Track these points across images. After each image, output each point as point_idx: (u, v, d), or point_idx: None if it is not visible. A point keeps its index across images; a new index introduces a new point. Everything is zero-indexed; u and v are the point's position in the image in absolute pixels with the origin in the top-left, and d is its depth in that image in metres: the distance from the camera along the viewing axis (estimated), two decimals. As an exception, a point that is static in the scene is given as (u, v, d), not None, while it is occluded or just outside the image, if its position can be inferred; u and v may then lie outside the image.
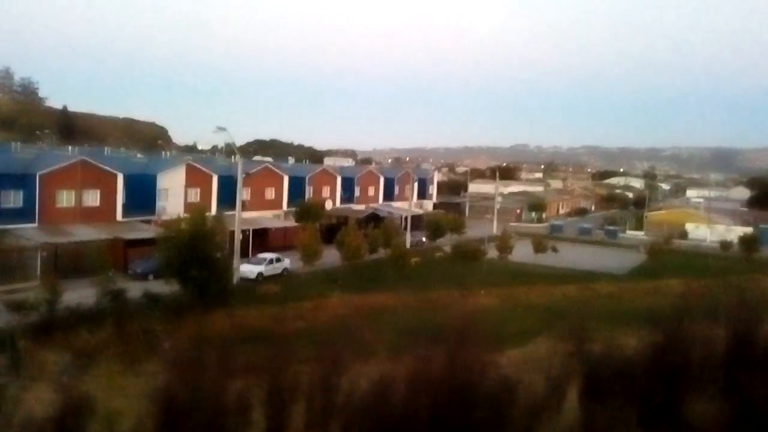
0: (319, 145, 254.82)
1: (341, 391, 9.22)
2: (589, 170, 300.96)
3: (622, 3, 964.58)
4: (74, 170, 43.38)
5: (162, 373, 26.51)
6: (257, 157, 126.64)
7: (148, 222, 47.91)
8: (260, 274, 42.22)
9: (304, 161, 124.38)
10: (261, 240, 52.59)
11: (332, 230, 54.76)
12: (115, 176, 45.68)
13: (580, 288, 47.69)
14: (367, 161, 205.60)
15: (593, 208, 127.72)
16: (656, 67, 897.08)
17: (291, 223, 57.24)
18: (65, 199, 42.96)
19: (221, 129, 38.89)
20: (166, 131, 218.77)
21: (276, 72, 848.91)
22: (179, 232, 33.83)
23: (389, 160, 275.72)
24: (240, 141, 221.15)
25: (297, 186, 62.86)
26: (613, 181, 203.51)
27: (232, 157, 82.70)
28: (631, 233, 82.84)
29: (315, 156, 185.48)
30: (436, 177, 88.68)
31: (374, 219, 66.49)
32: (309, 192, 64.71)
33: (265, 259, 43.79)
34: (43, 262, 37.89)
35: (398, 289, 42.45)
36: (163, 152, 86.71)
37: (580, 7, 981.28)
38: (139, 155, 64.22)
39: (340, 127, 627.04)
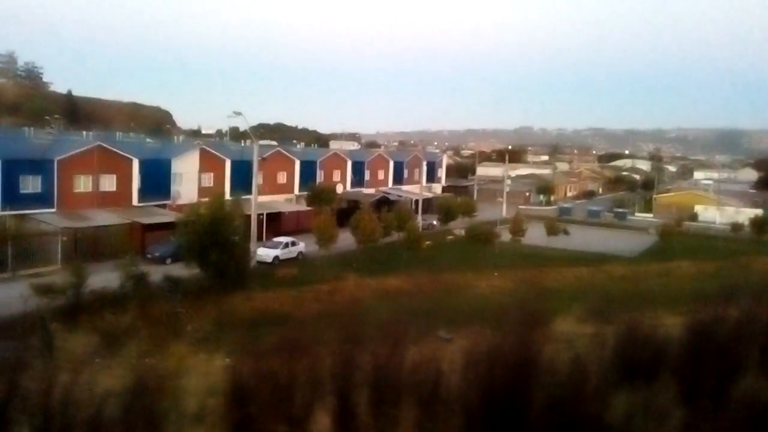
0: (324, 128, 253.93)
1: (395, 370, 9.55)
2: (594, 152, 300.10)
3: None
4: (91, 155, 43.71)
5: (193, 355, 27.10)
6: (263, 141, 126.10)
7: (164, 206, 48.29)
8: (276, 257, 42.62)
9: (312, 145, 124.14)
10: (274, 224, 52.95)
11: (344, 214, 55.20)
12: (130, 161, 46.03)
13: (593, 270, 47.99)
14: (372, 144, 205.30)
15: (601, 190, 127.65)
16: (661, 48, 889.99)
17: (303, 207, 57.56)
18: (82, 184, 43.35)
19: (237, 114, 39.18)
20: (171, 115, 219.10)
21: (280, 56, 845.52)
22: (199, 216, 34.18)
23: (395, 143, 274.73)
24: (245, 125, 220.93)
25: (308, 170, 63.07)
26: (619, 163, 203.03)
27: (242, 141, 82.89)
28: (640, 215, 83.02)
29: (320, 140, 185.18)
30: (445, 160, 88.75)
31: (385, 203, 66.83)
32: (320, 176, 64.90)
33: (281, 243, 44.18)
34: (64, 247, 38.33)
35: (412, 273, 42.84)
36: (175, 137, 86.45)
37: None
38: (149, 140, 64.40)
39: (344, 111, 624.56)
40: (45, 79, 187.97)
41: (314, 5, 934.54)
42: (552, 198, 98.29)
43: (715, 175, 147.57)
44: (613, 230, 71.95)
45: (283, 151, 62.04)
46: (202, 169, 52.00)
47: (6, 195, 38.92)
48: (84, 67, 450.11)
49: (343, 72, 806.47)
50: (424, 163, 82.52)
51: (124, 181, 45.71)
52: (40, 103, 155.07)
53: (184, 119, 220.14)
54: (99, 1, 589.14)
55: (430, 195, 77.78)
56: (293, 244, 44.70)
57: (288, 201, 60.60)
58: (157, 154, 50.17)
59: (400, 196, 71.31)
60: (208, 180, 52.42)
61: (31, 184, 40.78)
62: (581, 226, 72.79)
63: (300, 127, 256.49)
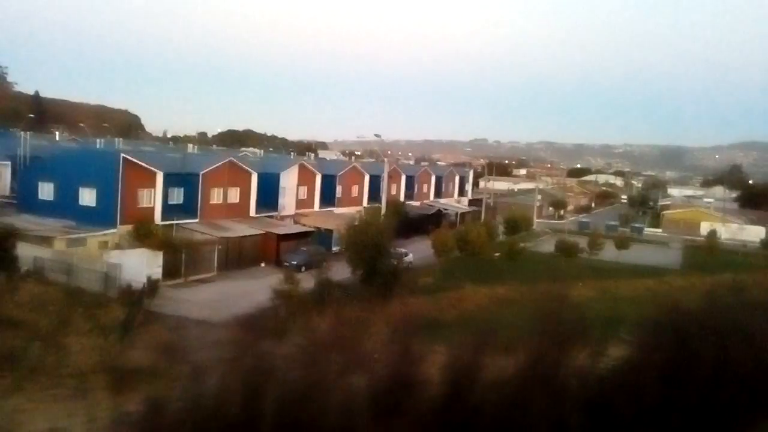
0: (290, 136, 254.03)
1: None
2: (562, 166, 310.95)
3: (578, 3, 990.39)
4: (223, 170, 47.05)
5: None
6: (245, 149, 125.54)
7: (272, 217, 51.78)
8: (395, 267, 46.63)
9: (307, 154, 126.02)
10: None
11: (410, 225, 60.12)
12: (250, 175, 49.44)
13: (657, 282, 53.58)
14: (351, 155, 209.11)
15: (593, 204, 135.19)
16: (608, 67, 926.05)
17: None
18: (216, 196, 46.54)
19: (377, 136, 43.34)
20: (139, 119, 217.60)
21: (243, 62, 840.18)
22: (366, 228, 38.23)
23: (357, 152, 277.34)
24: (212, 131, 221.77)
25: (374, 184, 67.10)
26: (590, 177, 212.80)
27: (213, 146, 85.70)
28: (649, 230, 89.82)
29: (311, 148, 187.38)
30: (471, 175, 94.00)
31: (439, 215, 71.66)
32: (382, 190, 68.92)
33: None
34: (219, 255, 41.60)
35: (511, 282, 47.64)
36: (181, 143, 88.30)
37: (537, 6, 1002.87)
38: (263, 155, 67.69)
39: (304, 118, 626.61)
40: (9, 79, 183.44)
41: (277, 14, 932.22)
42: (562, 212, 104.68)
43: (690, 192, 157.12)
44: (639, 244, 77.96)
45: (358, 167, 65.95)
46: (300, 182, 55.62)
47: (162, 206, 42.04)
48: (48, 66, 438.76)
49: (302, 80, 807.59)
50: (457, 178, 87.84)
51: (245, 193, 49.08)
52: (8, 103, 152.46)
53: (150, 124, 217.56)
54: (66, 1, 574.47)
55: (466, 208, 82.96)
56: (405, 254, 48.80)
57: (358, 213, 64.41)
58: (267, 168, 53.42)
59: (446, 209, 76.08)
60: (303, 193, 56.08)
61: (176, 196, 43.89)
62: (607, 240, 78.63)
63: (269, 134, 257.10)
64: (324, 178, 58.41)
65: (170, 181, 42.85)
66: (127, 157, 40.14)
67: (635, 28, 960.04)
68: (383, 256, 38.01)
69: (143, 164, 40.98)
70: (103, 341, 27.02)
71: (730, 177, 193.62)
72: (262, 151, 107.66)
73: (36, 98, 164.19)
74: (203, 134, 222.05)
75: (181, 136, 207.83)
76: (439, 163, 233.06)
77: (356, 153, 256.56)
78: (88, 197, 39.56)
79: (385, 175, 46.62)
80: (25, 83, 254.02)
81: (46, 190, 41.21)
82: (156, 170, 41.45)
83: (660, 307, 16.30)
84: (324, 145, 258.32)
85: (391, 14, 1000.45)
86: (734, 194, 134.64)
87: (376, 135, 42.09)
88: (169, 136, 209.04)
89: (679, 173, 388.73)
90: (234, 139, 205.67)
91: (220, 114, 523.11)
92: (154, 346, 27.38)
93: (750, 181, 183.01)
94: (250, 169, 49.58)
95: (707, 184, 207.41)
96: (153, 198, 41.28)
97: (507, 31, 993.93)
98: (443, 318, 37.79)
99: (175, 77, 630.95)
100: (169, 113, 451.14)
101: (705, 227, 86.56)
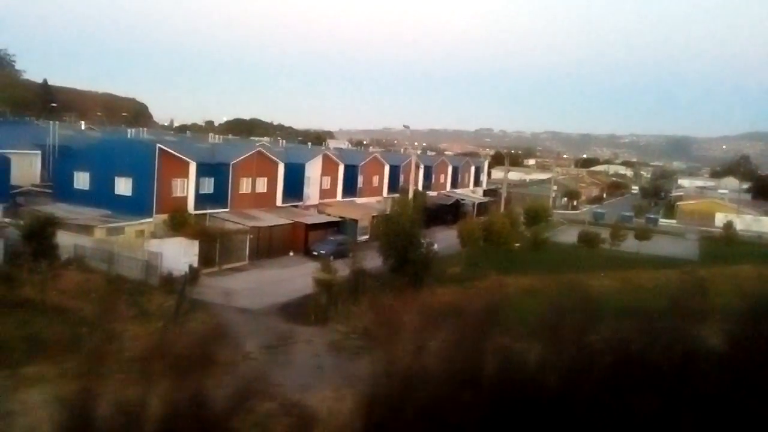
0: (296, 125, 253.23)
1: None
2: (565, 156, 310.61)
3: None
4: (252, 160, 47.61)
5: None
6: (256, 138, 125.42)
7: (296, 207, 52.35)
8: (422, 256, 47.21)
9: (309, 143, 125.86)
10: (384, 225, 57.51)
11: (429, 215, 60.60)
12: (277, 165, 50.01)
13: (678, 272, 54.02)
14: (359, 144, 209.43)
15: (605, 195, 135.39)
16: (614, 57, 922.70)
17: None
18: (245, 185, 47.14)
19: (406, 127, 43.78)
20: (147, 107, 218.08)
21: (250, 52, 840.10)
22: (398, 217, 38.78)
23: (365, 141, 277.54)
24: (218, 119, 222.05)
25: (393, 174, 67.72)
26: (601, 168, 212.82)
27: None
28: (664, 221, 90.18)
29: (319, 138, 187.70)
30: (486, 165, 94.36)
31: (457, 206, 72.18)
32: (401, 180, 69.45)
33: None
34: (250, 244, 42.24)
35: (534, 272, 48.17)
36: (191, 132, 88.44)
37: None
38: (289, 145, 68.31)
39: (309, 107, 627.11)
40: (17, 67, 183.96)
41: (282, 4, 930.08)
42: (575, 203, 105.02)
43: (700, 182, 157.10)
44: (655, 235, 78.24)
45: (379, 157, 66.52)
46: (323, 173, 56.19)
47: (195, 195, 42.67)
48: (56, 55, 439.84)
49: (308, 69, 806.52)
50: (473, 168, 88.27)
51: (272, 183, 49.68)
52: (16, 91, 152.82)
53: (156, 112, 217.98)
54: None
55: (483, 198, 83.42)
56: (431, 244, 49.35)
57: (378, 203, 64.90)
58: (292, 158, 53.96)
59: (463, 199, 76.56)
60: (327, 183, 56.65)
61: (207, 186, 44.47)
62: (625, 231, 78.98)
63: (275, 123, 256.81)
64: (346, 168, 58.97)
65: (202, 170, 43.40)
66: (163, 147, 40.72)
67: (640, 17, 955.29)
68: (414, 245, 38.54)
69: (177, 154, 41.58)
70: (153, 328, 27.64)
71: (740, 168, 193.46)
72: (283, 140, 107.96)
73: (44, 86, 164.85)
74: (210, 123, 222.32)
75: (189, 124, 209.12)
76: (446, 152, 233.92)
77: (363, 142, 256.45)
78: (123, 187, 40.19)
79: (413, 166, 47.25)
80: (32, 71, 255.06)
81: (81, 180, 41.83)
82: (189, 160, 42.06)
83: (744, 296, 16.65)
84: (330, 134, 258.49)
85: (395, 4, 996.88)
86: (745, 185, 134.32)
87: (405, 126, 42.64)
88: (175, 124, 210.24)
89: (686, 163, 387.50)
90: (241, 128, 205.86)
91: (225, 103, 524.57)
92: (205, 332, 28.17)
93: (759, 172, 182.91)
94: (277, 159, 50.11)
95: (716, 175, 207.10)
96: (186, 187, 41.92)
97: (512, 19, 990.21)
98: (473, 308, 38.43)
99: (180, 66, 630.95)
100: (175, 102, 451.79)
101: (720, 218, 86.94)
